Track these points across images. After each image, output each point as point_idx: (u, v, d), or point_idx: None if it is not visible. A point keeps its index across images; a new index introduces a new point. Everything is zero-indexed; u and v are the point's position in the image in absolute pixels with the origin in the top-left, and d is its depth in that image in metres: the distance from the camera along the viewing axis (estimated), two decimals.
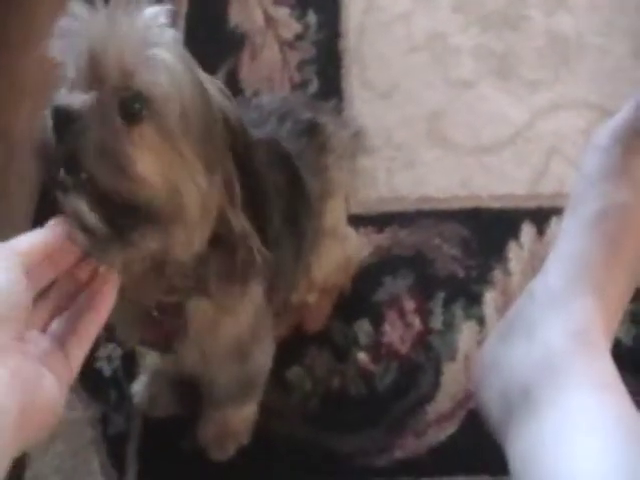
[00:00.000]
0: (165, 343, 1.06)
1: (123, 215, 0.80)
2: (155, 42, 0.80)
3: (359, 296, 1.48)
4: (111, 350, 1.44)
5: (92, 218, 0.78)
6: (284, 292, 1.23)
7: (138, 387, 1.39)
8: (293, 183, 1.15)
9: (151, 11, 0.81)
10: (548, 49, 1.83)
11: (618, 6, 1.90)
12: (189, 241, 0.87)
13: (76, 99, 0.77)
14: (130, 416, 1.39)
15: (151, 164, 0.79)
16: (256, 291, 1.07)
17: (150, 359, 1.34)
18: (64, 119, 0.76)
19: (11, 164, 1.72)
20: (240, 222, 0.90)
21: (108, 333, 1.41)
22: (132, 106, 0.79)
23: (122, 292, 0.85)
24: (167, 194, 0.81)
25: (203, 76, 0.86)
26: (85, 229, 0.78)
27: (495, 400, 0.93)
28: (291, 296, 1.29)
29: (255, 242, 0.92)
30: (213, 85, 0.87)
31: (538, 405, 0.84)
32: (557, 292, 0.93)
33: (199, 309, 1.01)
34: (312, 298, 1.39)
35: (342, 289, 1.46)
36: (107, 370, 1.43)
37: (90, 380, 1.41)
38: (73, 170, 0.77)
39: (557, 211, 1.56)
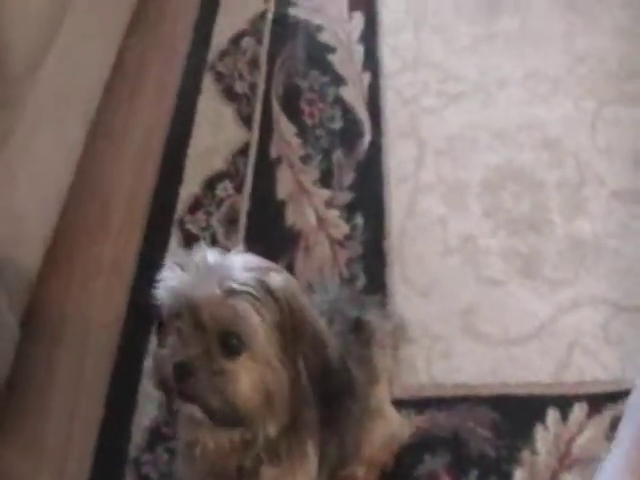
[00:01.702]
0: None
1: (226, 420, 1.09)
2: (238, 290, 1.06)
3: (401, 472, 1.63)
4: None
5: (202, 418, 1.09)
6: (332, 464, 1.40)
7: None
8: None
9: (232, 264, 1.09)
10: (569, 251, 2.04)
11: (632, 211, 2.13)
12: (276, 424, 1.13)
13: (187, 353, 1.06)
14: None
15: (249, 384, 1.07)
16: (311, 460, 1.27)
17: None
18: (182, 370, 1.06)
19: (87, 339, 1.93)
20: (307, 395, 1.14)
21: None
22: (230, 344, 1.07)
23: (212, 458, 1.10)
24: (261, 401, 1.09)
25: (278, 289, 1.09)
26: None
27: None
28: (340, 468, 1.46)
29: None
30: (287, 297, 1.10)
31: None
32: None
33: (270, 472, 1.22)
34: (360, 472, 1.55)
35: (386, 465, 1.61)
36: None
37: None
38: (192, 400, 1.08)
39: (579, 398, 1.74)
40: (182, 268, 1.10)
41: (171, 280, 1.10)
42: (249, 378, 1.07)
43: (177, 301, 1.09)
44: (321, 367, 1.13)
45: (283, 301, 1.09)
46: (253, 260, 1.13)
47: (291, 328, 1.10)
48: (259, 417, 1.12)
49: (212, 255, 1.11)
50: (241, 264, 1.10)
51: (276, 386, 1.10)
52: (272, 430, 1.15)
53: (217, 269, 1.09)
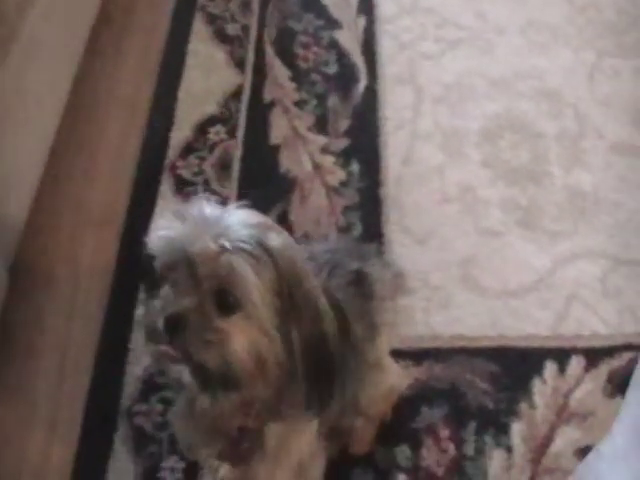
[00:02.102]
0: (240, 458, 1.23)
1: (216, 383, 1.05)
2: (236, 247, 1.01)
3: (399, 423, 1.62)
4: (174, 462, 1.58)
5: (190, 381, 1.05)
6: (333, 417, 1.38)
7: None
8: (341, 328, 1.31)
9: (230, 219, 1.04)
10: (568, 203, 2.02)
11: (631, 164, 2.11)
12: (268, 389, 1.09)
13: (181, 305, 1.02)
14: None
15: (242, 344, 1.03)
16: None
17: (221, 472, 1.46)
18: (173, 322, 1.01)
19: (78, 286, 1.89)
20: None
21: (172, 446, 1.57)
22: (225, 301, 1.02)
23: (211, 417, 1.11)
24: (253, 364, 1.04)
25: (276, 245, 1.05)
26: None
27: None
28: (340, 420, 1.44)
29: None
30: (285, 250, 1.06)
31: None
32: (621, 451, 1.09)
33: (274, 430, 1.20)
34: (358, 423, 1.53)
35: (384, 416, 1.60)
36: None
37: None
38: (183, 354, 1.03)
39: (577, 351, 1.73)
40: (178, 218, 1.05)
41: (166, 230, 1.05)
42: (242, 338, 1.03)
43: (172, 252, 1.04)
44: (315, 338, 1.08)
45: (281, 263, 1.04)
46: (253, 217, 1.07)
47: (288, 294, 1.05)
48: (250, 381, 1.07)
49: (210, 208, 1.06)
50: (240, 220, 1.05)
51: (269, 351, 1.05)
52: (264, 394, 1.11)
53: (215, 223, 1.03)
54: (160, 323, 1.02)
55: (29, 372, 1.74)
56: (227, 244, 1.01)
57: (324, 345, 1.08)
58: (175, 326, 1.02)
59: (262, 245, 1.03)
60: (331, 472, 1.40)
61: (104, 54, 2.38)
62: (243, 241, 1.01)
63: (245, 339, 1.02)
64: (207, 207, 1.05)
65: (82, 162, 2.14)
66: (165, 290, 1.05)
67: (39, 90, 2.01)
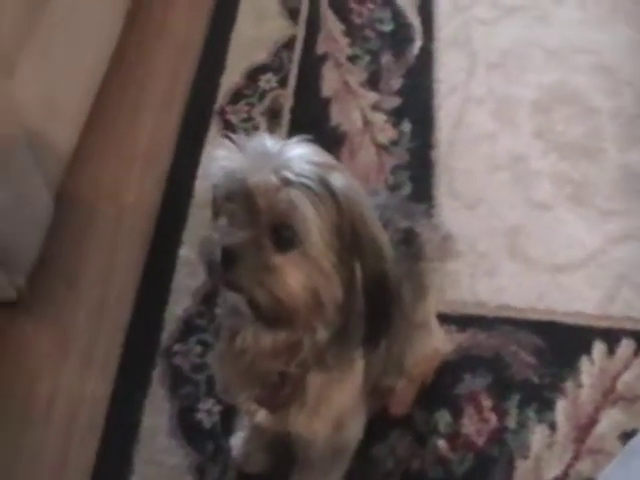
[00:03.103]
0: (279, 405, 1.20)
1: (272, 318, 1.01)
2: (297, 182, 0.96)
3: (441, 388, 1.60)
4: (211, 404, 1.57)
5: (247, 310, 1.01)
6: (376, 375, 1.36)
7: (235, 442, 1.51)
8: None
9: (292, 153, 0.99)
10: (622, 182, 1.98)
11: None
12: (327, 328, 1.07)
13: (237, 238, 0.98)
14: (226, 468, 1.51)
15: (298, 282, 0.98)
16: (358, 368, 1.21)
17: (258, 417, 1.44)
18: (229, 255, 0.97)
19: (121, 223, 1.87)
20: (358, 304, 1.06)
21: (209, 388, 1.55)
22: (282, 236, 0.98)
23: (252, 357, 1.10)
24: (309, 303, 1.00)
25: (340, 188, 0.99)
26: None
27: None
28: (382, 380, 1.42)
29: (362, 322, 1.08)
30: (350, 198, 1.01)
31: None
32: None
33: (317, 380, 1.16)
34: (400, 384, 1.51)
35: (426, 380, 1.57)
36: (207, 422, 1.56)
37: (190, 430, 1.55)
38: (236, 288, 0.99)
39: (626, 333, 1.69)
40: (239, 149, 1.01)
41: (226, 160, 1.00)
42: (298, 275, 0.98)
43: (231, 183, 1.00)
44: (377, 278, 1.04)
45: (344, 203, 0.99)
46: (316, 154, 1.02)
47: (350, 233, 1.01)
48: (306, 319, 1.03)
49: (271, 141, 1.01)
50: (302, 155, 1.00)
51: (326, 290, 1.01)
52: (322, 335, 1.08)
53: (275, 156, 0.98)
54: (216, 254, 0.98)
55: (68, 304, 1.73)
56: (289, 176, 0.96)
57: (385, 283, 1.04)
58: (230, 258, 0.97)
59: (324, 183, 0.98)
60: (370, 430, 1.38)
61: None
62: (305, 176, 0.97)
63: (301, 276, 0.98)
64: (268, 140, 1.01)
65: (131, 99, 2.10)
66: (222, 222, 1.02)
67: (92, 18, 1.98)
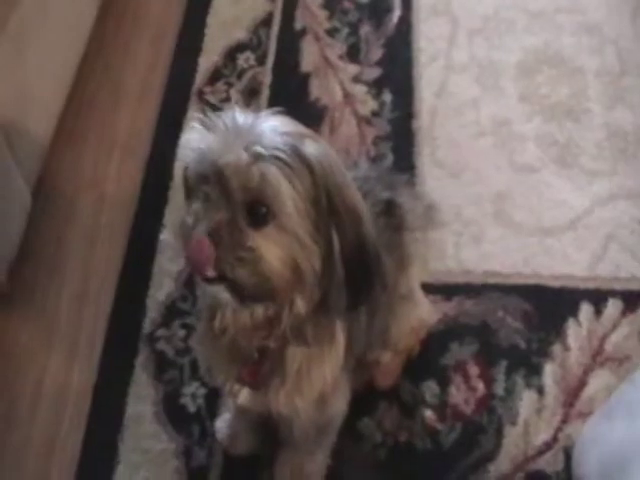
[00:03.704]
0: (259, 382, 1.18)
1: (252, 296, 1.00)
2: (269, 155, 0.94)
3: (427, 359, 1.58)
4: (196, 388, 1.56)
5: (227, 297, 1.00)
6: (360, 349, 1.34)
7: (221, 424, 1.50)
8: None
9: (263, 126, 0.97)
10: (607, 141, 1.95)
11: None
12: (307, 300, 1.05)
13: (212, 220, 0.96)
14: (212, 451, 1.50)
15: (277, 257, 0.97)
16: (339, 342, 1.19)
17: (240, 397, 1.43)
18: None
19: (101, 211, 1.85)
20: (338, 274, 1.04)
21: (193, 372, 1.54)
22: (258, 213, 0.96)
23: (232, 334, 1.08)
24: (289, 276, 0.99)
25: (313, 156, 0.98)
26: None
27: (594, 473, 1.04)
28: (366, 353, 1.40)
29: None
30: (322, 165, 0.99)
31: (635, 478, 0.95)
32: None
33: (296, 355, 1.14)
34: (386, 357, 1.49)
35: (412, 352, 1.56)
36: (191, 406, 1.55)
37: (175, 415, 1.54)
38: (216, 271, 0.97)
39: (614, 293, 1.67)
40: (209, 129, 0.99)
41: (196, 141, 0.99)
42: (276, 249, 0.97)
43: (202, 164, 0.98)
44: (356, 244, 1.02)
45: (318, 172, 0.97)
46: (287, 124, 1.00)
47: (326, 202, 0.99)
48: (287, 292, 1.02)
49: (242, 116, 0.98)
50: (273, 127, 0.98)
51: (305, 261, 1.00)
52: (301, 307, 1.06)
53: (246, 131, 0.96)
54: (192, 239, 0.97)
55: (51, 294, 1.72)
56: (260, 151, 0.94)
57: (364, 248, 1.03)
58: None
59: (297, 153, 0.96)
60: (356, 405, 1.37)
61: None
62: (277, 148, 0.95)
63: (279, 250, 0.97)
64: (239, 115, 0.99)
65: (108, 86, 2.09)
66: (197, 205, 1.00)
67: (65, 11, 1.95)
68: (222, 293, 1.00)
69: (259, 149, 0.94)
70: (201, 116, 1.00)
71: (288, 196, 0.95)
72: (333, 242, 1.02)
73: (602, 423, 1.08)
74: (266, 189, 0.95)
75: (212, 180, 0.97)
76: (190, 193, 1.04)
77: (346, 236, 1.01)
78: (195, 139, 0.99)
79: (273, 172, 0.94)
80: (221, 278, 0.98)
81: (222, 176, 0.95)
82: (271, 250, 0.97)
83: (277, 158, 0.94)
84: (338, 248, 1.02)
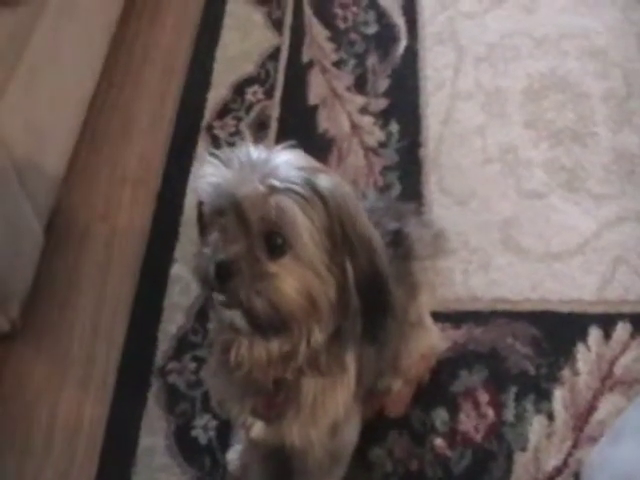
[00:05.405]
0: (274, 414, 1.20)
1: (269, 326, 1.02)
2: (284, 188, 0.97)
3: (437, 387, 1.59)
4: (207, 420, 1.57)
5: (243, 325, 1.03)
6: (370, 377, 1.35)
7: (232, 456, 1.52)
8: None
9: (277, 161, 1.00)
10: (614, 164, 1.95)
11: None
12: (322, 330, 1.07)
13: (229, 251, 0.99)
14: None
15: (293, 287, 1.00)
16: (350, 372, 1.20)
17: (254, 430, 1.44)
18: (224, 269, 0.99)
19: (112, 245, 1.88)
20: (352, 303, 1.06)
21: (205, 404, 1.55)
22: (274, 244, 0.99)
23: (246, 367, 1.09)
24: (305, 306, 1.01)
25: (327, 190, 1.00)
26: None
27: None
28: (377, 382, 1.41)
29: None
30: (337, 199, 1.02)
31: None
32: None
33: (310, 385, 1.16)
34: (396, 386, 1.50)
35: (421, 380, 1.56)
36: (203, 438, 1.56)
37: (187, 447, 1.55)
38: (232, 301, 1.00)
39: (623, 317, 1.67)
40: (224, 163, 1.02)
41: (213, 176, 1.02)
42: (293, 280, 1.00)
43: (219, 198, 1.01)
44: (370, 273, 1.05)
45: (332, 204, 1.00)
46: (301, 158, 1.04)
47: (340, 233, 1.02)
48: (302, 322, 1.05)
49: (255, 151, 1.02)
50: (287, 161, 1.01)
51: (321, 291, 1.02)
52: (319, 338, 1.08)
53: (261, 165, 1.00)
54: (210, 270, 1.00)
55: (64, 328, 1.74)
56: (276, 184, 0.97)
57: (378, 278, 1.05)
58: (225, 273, 0.99)
59: (311, 186, 0.99)
60: (367, 434, 1.38)
61: (141, 14, 2.36)
62: (292, 182, 0.98)
63: (295, 280, 1.00)
64: (253, 150, 1.02)
65: (119, 121, 2.12)
66: (214, 237, 1.02)
67: (76, 47, 1.99)
68: (238, 319, 1.02)
69: (275, 182, 0.97)
70: (215, 151, 1.03)
71: (304, 227, 0.98)
72: (347, 272, 1.04)
73: (609, 447, 1.09)
74: (283, 220, 0.98)
75: (229, 212, 1.00)
76: (204, 228, 1.07)
77: (360, 266, 1.04)
78: (211, 173, 1.02)
79: (289, 204, 0.97)
80: (237, 305, 1.01)
81: (240, 208, 0.98)
82: (288, 280, 1.00)
83: (292, 191, 0.98)
84: (352, 278, 1.04)
